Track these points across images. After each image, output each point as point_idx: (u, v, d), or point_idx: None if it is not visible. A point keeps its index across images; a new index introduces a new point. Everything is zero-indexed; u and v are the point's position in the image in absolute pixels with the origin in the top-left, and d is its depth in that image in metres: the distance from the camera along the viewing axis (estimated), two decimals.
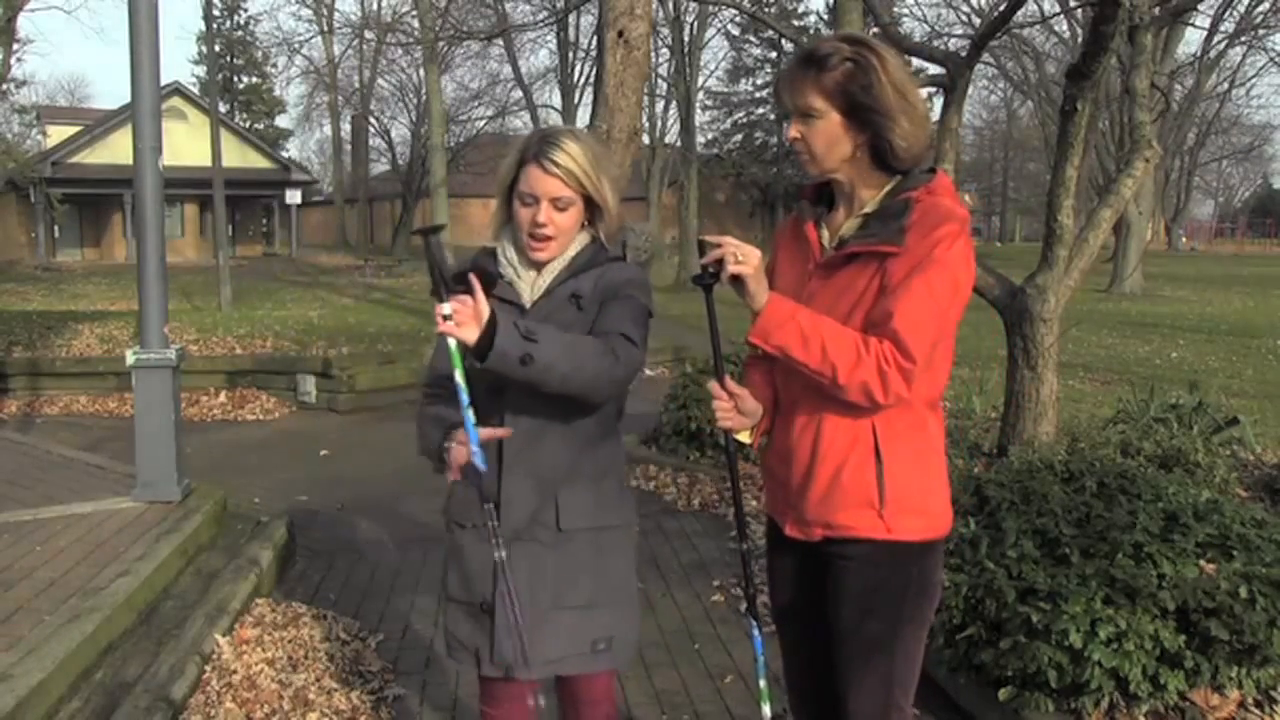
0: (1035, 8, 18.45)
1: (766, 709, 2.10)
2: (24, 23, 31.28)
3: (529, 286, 2.01)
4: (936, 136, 6.08)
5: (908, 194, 1.81)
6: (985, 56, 17.22)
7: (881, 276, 1.78)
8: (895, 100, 1.77)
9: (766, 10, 34.48)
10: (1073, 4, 13.97)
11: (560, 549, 2.00)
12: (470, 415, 1.81)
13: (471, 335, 1.72)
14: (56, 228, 30.54)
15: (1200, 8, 11.07)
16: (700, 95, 35.42)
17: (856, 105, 1.78)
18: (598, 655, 2.04)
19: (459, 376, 1.78)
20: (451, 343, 1.76)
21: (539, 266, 2.01)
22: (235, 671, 3.38)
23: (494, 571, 1.97)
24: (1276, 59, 24.30)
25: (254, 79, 44.45)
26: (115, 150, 26.43)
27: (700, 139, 35.54)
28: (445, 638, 2.13)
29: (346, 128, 40.22)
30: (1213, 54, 23.90)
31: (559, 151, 1.90)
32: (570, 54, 29.98)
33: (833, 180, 1.91)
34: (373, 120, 37.48)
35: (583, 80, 29.61)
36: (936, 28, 22.65)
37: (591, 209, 2.00)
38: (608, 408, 2.04)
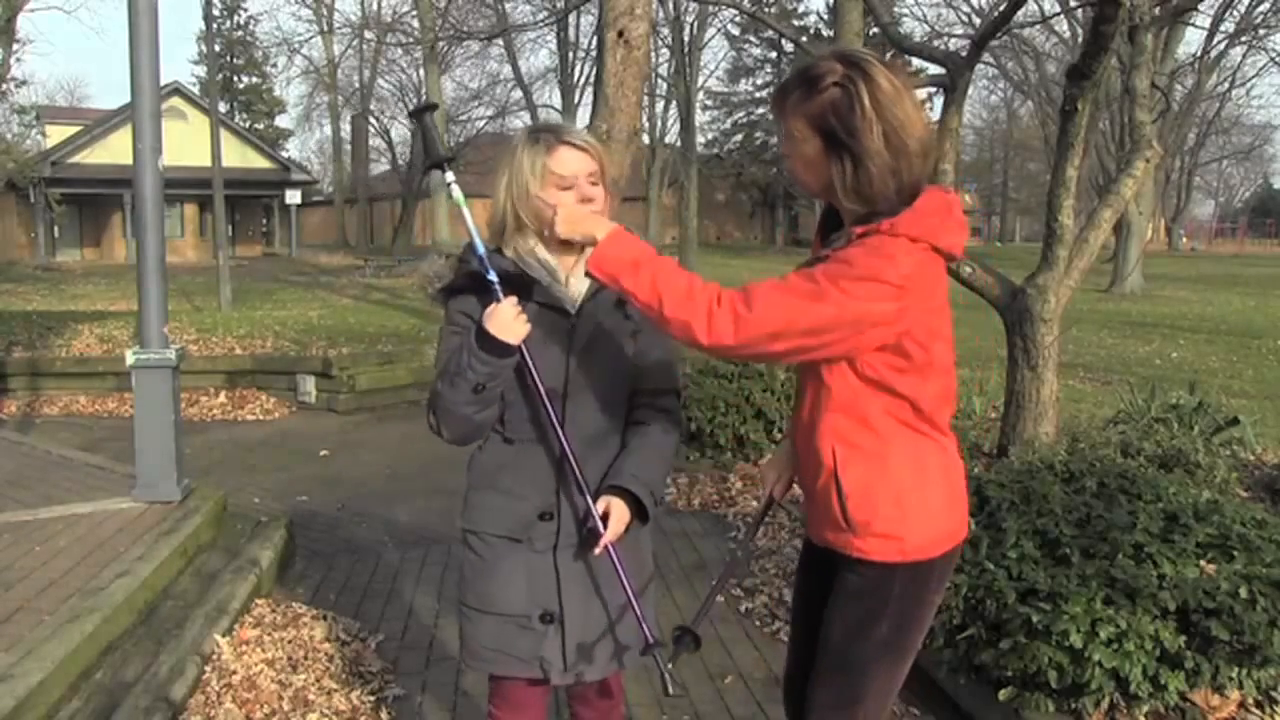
0: (1035, 8, 18.45)
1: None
2: (24, 23, 31.29)
3: (565, 289, 1.98)
4: (936, 137, 6.07)
5: (864, 226, 1.72)
6: (985, 56, 17.21)
7: None
8: (877, 137, 1.66)
9: (766, 10, 34.48)
10: (1073, 4, 13.97)
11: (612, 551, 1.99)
12: (495, 279, 1.89)
13: (518, 335, 1.83)
14: (56, 228, 30.54)
15: (1200, 8, 11.05)
16: (700, 95, 35.43)
17: (833, 135, 1.69)
18: (640, 648, 2.05)
19: (479, 243, 1.92)
20: (456, 192, 1.98)
21: (564, 260, 1.98)
22: (235, 672, 3.38)
23: (556, 581, 1.97)
24: (1276, 59, 24.40)
25: (254, 79, 44.52)
26: (115, 150, 26.42)
27: (700, 139, 35.56)
28: (479, 652, 2.02)
29: (346, 128, 40.20)
30: (1213, 54, 23.87)
31: (571, 133, 1.92)
32: (570, 54, 30.00)
33: None
34: (373, 120, 37.46)
35: (583, 80, 29.63)
36: (936, 28, 22.72)
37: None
38: None
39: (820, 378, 1.82)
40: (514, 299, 1.85)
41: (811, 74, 1.73)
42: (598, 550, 1.89)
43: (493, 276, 1.88)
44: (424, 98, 29.11)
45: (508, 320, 1.82)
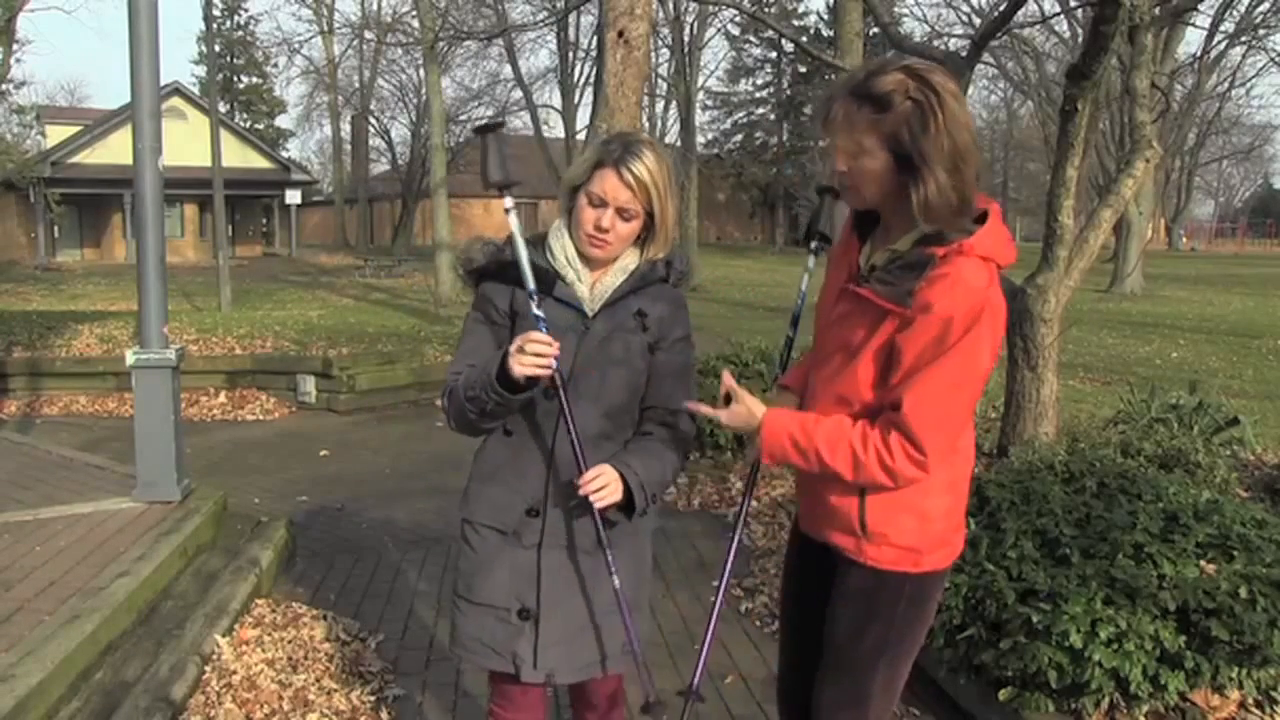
0: (1035, 8, 18.45)
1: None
2: (24, 23, 31.29)
3: (588, 290, 2.00)
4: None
5: (935, 248, 1.70)
6: (985, 56, 17.21)
7: (881, 332, 1.73)
8: (947, 151, 1.65)
9: (766, 10, 34.48)
10: (1073, 4, 13.98)
11: (600, 554, 1.98)
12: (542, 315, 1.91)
13: (540, 371, 1.82)
14: (56, 228, 30.53)
15: (1200, 8, 11.06)
16: (700, 95, 35.40)
17: (906, 150, 1.67)
18: (626, 655, 2.06)
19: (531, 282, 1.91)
20: (513, 222, 1.93)
21: (594, 266, 2.01)
22: (235, 672, 3.38)
23: (536, 578, 1.98)
24: (1276, 59, 24.35)
25: (254, 79, 44.46)
26: (115, 150, 26.42)
27: (700, 139, 35.54)
28: (463, 641, 2.06)
29: (346, 128, 40.19)
30: (1213, 54, 23.87)
31: (638, 163, 1.92)
32: (570, 54, 29.91)
33: None
34: (373, 120, 37.46)
35: (583, 80, 29.55)
36: (936, 28, 22.71)
37: (649, 226, 2.00)
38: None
39: (857, 390, 1.78)
40: (546, 336, 1.84)
41: (879, 92, 1.67)
42: (580, 488, 1.88)
43: (525, 264, 1.91)
44: (424, 98, 29.12)
45: (532, 355, 1.80)
